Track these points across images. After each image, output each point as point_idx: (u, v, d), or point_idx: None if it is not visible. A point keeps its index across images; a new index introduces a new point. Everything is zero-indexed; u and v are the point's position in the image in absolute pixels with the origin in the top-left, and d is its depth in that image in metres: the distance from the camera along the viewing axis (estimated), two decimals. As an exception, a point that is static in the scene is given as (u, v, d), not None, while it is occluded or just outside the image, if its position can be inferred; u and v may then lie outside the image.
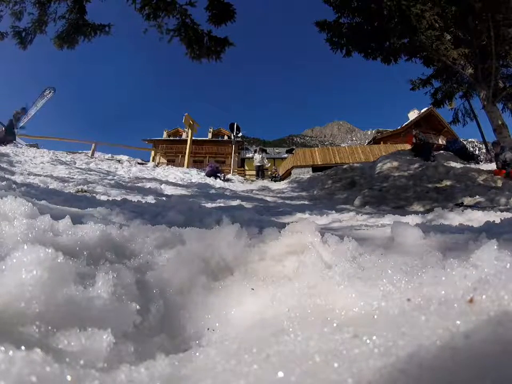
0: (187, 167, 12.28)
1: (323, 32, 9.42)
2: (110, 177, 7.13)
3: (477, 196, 5.25)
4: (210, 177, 9.79)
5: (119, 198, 3.46)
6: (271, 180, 12.59)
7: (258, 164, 13.31)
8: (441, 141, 17.16)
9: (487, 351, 0.32)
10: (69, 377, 0.32)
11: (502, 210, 3.90)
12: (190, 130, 14.09)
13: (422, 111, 22.22)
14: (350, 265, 0.66)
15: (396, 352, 0.35)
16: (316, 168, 13.24)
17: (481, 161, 10.05)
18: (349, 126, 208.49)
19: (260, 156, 13.47)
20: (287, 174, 14.48)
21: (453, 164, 8.03)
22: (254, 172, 15.08)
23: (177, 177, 8.96)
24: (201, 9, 6.51)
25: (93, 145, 13.28)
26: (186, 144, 14.09)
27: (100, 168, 8.66)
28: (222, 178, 10.14)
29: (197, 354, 0.43)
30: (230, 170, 15.51)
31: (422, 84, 10.48)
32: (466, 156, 10.20)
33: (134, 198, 3.96)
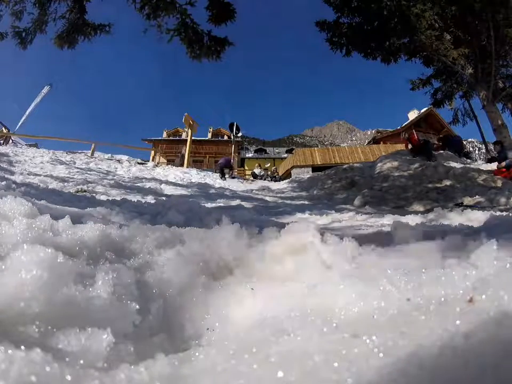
0: (187, 167, 12.28)
1: (323, 32, 9.42)
2: (109, 177, 7.13)
3: (477, 196, 5.25)
4: (223, 168, 10.56)
5: (118, 198, 3.46)
6: (271, 180, 12.60)
7: (256, 173, 13.90)
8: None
9: (487, 351, 0.32)
10: (68, 377, 0.32)
11: (502, 210, 3.90)
12: (189, 130, 14.09)
13: (422, 111, 22.23)
14: (350, 265, 0.66)
15: (396, 352, 0.35)
16: (315, 168, 13.26)
17: (481, 160, 10.05)
18: (349, 126, 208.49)
19: (258, 170, 14.26)
20: (287, 174, 14.49)
21: (452, 164, 8.03)
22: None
23: (177, 177, 8.96)
24: (201, 9, 6.51)
25: (93, 145, 13.28)
26: (186, 144, 14.09)
27: (99, 168, 8.66)
28: (232, 175, 10.89)
29: (197, 354, 0.43)
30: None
31: (422, 84, 10.48)
32: (463, 151, 10.20)
33: (134, 197, 3.96)
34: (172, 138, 30.20)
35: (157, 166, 11.85)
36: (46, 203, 1.47)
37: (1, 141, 16.36)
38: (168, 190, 6.29)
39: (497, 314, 0.36)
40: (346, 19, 9.31)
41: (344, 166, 9.27)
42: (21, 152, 9.15)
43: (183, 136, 27.15)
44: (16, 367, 0.30)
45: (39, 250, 0.49)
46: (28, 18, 6.84)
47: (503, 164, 7.06)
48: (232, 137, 18.86)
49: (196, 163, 22.10)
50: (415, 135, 9.78)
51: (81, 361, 0.36)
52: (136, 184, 6.47)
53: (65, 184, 4.94)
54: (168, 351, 0.45)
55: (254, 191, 8.16)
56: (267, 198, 6.58)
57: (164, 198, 3.98)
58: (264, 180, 12.68)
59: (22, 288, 0.43)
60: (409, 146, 9.33)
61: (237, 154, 23.90)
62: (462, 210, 3.47)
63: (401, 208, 5.46)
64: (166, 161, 24.73)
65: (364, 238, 1.09)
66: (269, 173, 14.78)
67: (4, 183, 2.34)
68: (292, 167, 14.38)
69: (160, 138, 30.05)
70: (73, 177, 6.00)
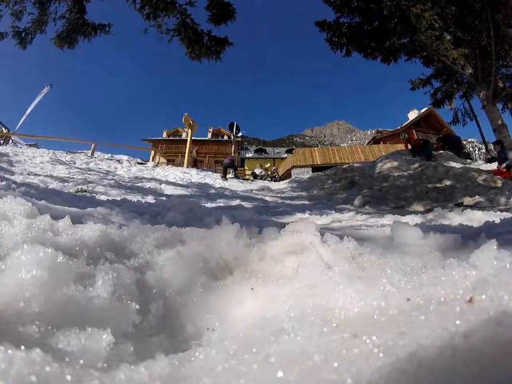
0: (187, 167, 12.28)
1: (323, 32, 9.42)
2: (109, 177, 7.13)
3: (477, 196, 5.25)
4: (227, 168, 10.66)
5: (118, 198, 3.46)
6: (271, 180, 12.61)
7: (257, 173, 13.99)
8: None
9: (486, 351, 0.32)
10: (68, 377, 0.32)
11: (502, 210, 3.90)
12: (189, 130, 14.10)
13: (422, 111, 22.24)
14: (350, 265, 0.66)
15: (396, 352, 0.35)
16: (315, 168, 13.26)
17: (481, 160, 10.05)
18: (349, 126, 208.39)
19: (259, 170, 14.36)
20: (287, 174, 14.49)
21: (453, 164, 8.03)
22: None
23: (177, 177, 8.96)
24: (201, 9, 6.52)
25: (93, 145, 13.28)
26: (186, 144, 14.09)
27: (99, 168, 8.66)
28: (235, 174, 11.09)
29: (197, 354, 0.43)
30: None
31: (422, 83, 10.48)
32: (462, 151, 10.21)
33: (134, 197, 3.96)
34: (171, 138, 30.23)
35: (157, 166, 11.85)
36: (46, 203, 1.47)
37: (1, 141, 16.36)
38: (168, 190, 6.29)
39: (497, 314, 0.36)
40: (346, 19, 9.32)
41: (344, 166, 9.27)
42: (21, 152, 9.15)
43: (183, 136, 27.17)
44: (16, 367, 0.30)
45: (39, 250, 0.49)
46: (28, 18, 6.85)
47: (504, 165, 7.05)
48: (232, 137, 18.87)
49: (196, 163, 22.10)
50: (414, 134, 9.79)
51: (81, 361, 0.36)
52: (136, 184, 6.47)
53: (65, 184, 4.94)
54: (168, 351, 0.45)
55: (254, 191, 8.16)
56: (267, 198, 6.58)
57: (164, 198, 3.98)
58: (264, 180, 12.69)
59: (22, 288, 0.43)
60: (409, 146, 9.35)
61: (237, 154, 23.90)
62: (462, 210, 3.47)
63: (401, 208, 5.46)
64: (166, 161, 24.75)
65: (364, 238, 1.09)
66: (269, 173, 14.79)
67: (3, 183, 2.35)
68: (292, 167, 14.38)
69: (160, 138, 30.08)
70: (73, 177, 6.00)
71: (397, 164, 8.07)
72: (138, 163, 12.15)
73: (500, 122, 8.61)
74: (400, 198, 6.07)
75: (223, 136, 30.99)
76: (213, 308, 0.64)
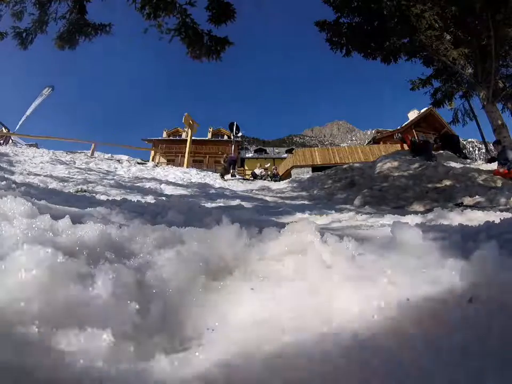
0: (187, 167, 12.29)
1: (323, 32, 9.43)
2: (109, 177, 7.13)
3: (477, 196, 5.25)
4: (230, 166, 10.81)
5: (118, 198, 3.46)
6: (271, 180, 12.61)
7: (257, 173, 14.00)
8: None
9: (487, 350, 0.32)
10: (69, 377, 0.32)
11: (502, 210, 3.89)
12: (189, 130, 14.11)
13: (422, 111, 22.25)
14: (350, 265, 0.66)
15: (397, 352, 0.35)
16: (315, 168, 13.27)
17: (481, 160, 10.06)
18: (349, 126, 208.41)
19: (260, 170, 14.39)
20: (287, 174, 14.50)
21: (452, 164, 8.02)
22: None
23: (177, 177, 8.96)
24: (201, 9, 6.52)
25: (93, 145, 13.29)
26: (186, 144, 14.10)
27: (99, 168, 8.66)
28: (235, 173, 11.24)
29: (197, 354, 0.43)
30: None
31: (422, 83, 10.49)
32: (462, 151, 10.25)
33: (134, 197, 3.96)
34: (172, 138, 30.23)
35: (157, 166, 11.86)
36: (46, 203, 1.47)
37: (1, 141, 16.36)
38: (168, 190, 6.29)
39: (496, 314, 0.36)
40: (346, 19, 9.33)
41: (344, 166, 9.27)
42: (21, 152, 9.15)
43: (183, 136, 27.17)
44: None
45: (39, 250, 0.49)
46: (29, 18, 6.84)
47: (504, 168, 7.00)
48: (232, 137, 18.88)
49: (196, 163, 22.13)
50: (414, 134, 9.82)
51: (81, 361, 0.36)
52: (136, 184, 6.47)
53: (65, 184, 4.94)
54: (168, 351, 0.45)
55: (254, 191, 8.16)
56: (267, 198, 6.58)
57: (163, 198, 3.98)
58: (264, 180, 12.68)
59: (22, 288, 0.43)
60: (405, 146, 9.39)
61: (237, 154, 23.90)
62: (462, 210, 3.46)
63: (401, 208, 5.46)
64: (166, 161, 24.76)
65: (364, 238, 1.09)
66: (269, 173, 14.79)
67: (3, 183, 2.34)
68: (292, 167, 14.40)
69: (160, 138, 30.08)
70: (73, 177, 6.00)
71: (397, 164, 8.07)
72: (138, 163, 12.15)
73: (500, 122, 8.61)
74: (400, 198, 6.07)
75: (223, 136, 31.00)
76: (212, 308, 0.64)
